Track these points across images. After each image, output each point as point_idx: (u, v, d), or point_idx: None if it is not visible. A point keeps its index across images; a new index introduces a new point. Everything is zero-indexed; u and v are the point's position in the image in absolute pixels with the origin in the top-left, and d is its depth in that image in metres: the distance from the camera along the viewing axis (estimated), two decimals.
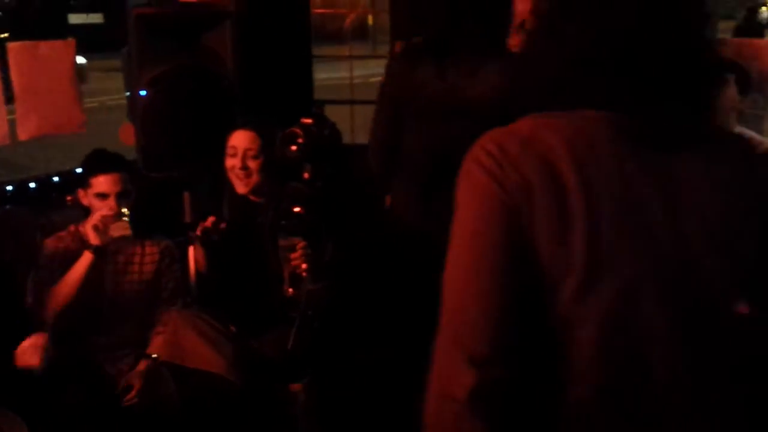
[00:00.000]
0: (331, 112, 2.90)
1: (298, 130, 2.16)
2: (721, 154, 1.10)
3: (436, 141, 1.32)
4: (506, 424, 0.98)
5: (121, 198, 2.59)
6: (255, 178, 2.60)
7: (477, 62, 2.07)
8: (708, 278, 1.03)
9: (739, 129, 3.07)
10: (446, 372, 0.99)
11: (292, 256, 2.38)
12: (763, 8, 30.02)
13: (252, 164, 2.60)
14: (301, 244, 2.32)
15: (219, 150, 2.62)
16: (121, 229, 2.55)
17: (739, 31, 17.41)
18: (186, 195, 2.95)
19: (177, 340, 2.43)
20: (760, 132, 3.23)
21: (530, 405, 1.02)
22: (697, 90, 1.08)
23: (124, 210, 2.56)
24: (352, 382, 2.47)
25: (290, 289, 2.36)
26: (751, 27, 17.72)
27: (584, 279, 1.00)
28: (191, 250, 2.72)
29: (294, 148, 2.14)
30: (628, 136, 1.04)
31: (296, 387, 2.47)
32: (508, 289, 1.01)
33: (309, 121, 2.19)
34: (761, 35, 17.90)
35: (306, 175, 2.22)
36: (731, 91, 3.00)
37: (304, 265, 2.32)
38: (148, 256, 2.73)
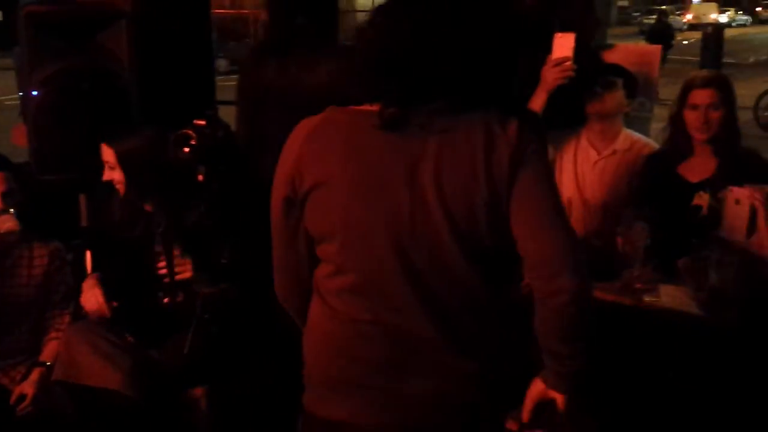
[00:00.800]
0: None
1: (190, 132, 2.15)
2: (461, 140, 1.46)
3: (285, 132, 1.47)
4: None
5: (6, 197, 2.53)
6: None
7: (314, 58, 2.35)
8: (432, 227, 1.46)
9: (627, 131, 3.22)
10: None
11: (159, 265, 2.42)
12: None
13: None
14: (176, 251, 2.34)
15: None
16: (7, 222, 2.49)
17: (653, 33, 18.22)
18: (82, 197, 2.88)
19: (71, 357, 2.37)
20: (646, 134, 3.38)
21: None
22: (467, 90, 1.44)
23: (11, 210, 2.50)
24: (254, 386, 2.47)
25: (179, 296, 2.35)
26: (662, 30, 18.60)
27: (339, 224, 1.49)
28: (88, 254, 2.66)
29: (186, 150, 2.13)
30: (385, 123, 1.45)
31: (197, 393, 2.45)
32: (289, 241, 1.60)
33: (202, 122, 2.19)
34: (672, 37, 18.82)
35: (200, 178, 2.22)
36: (619, 95, 3.14)
37: (186, 273, 2.35)
38: (36, 258, 2.66)
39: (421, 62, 1.41)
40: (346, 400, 1.54)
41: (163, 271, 2.41)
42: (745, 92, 13.80)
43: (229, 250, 2.31)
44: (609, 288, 2.58)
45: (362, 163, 1.48)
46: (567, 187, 3.20)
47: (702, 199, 2.57)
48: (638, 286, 2.55)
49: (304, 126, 1.55)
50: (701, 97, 2.82)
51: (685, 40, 25.22)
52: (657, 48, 3.66)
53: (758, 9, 29.92)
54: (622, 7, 33.64)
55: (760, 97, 11.70)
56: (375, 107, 1.47)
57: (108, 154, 2.50)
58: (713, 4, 34.96)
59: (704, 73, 3.05)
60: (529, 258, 1.49)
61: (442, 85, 1.44)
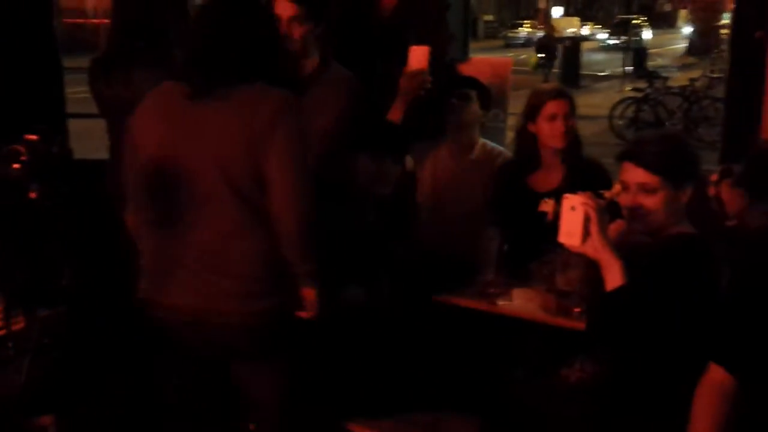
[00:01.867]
0: (85, 126, 2.78)
1: (20, 148, 2.04)
2: (233, 106, 2.01)
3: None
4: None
5: None
6: None
7: (135, 73, 2.62)
8: (208, 165, 2.01)
9: (483, 141, 3.34)
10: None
11: None
12: (522, 27, 32.54)
13: None
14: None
15: None
16: None
17: (540, 47, 19.06)
18: None
19: None
20: (501, 143, 3.51)
21: None
22: (244, 70, 2.03)
23: None
24: (107, 412, 2.37)
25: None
26: (548, 44, 19.48)
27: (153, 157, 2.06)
28: None
29: (16, 166, 2.01)
30: (187, 94, 2.03)
31: (45, 421, 2.32)
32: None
33: (34, 137, 2.08)
34: (556, 49, 19.74)
35: (33, 195, 2.10)
36: (474, 106, 3.25)
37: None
38: None
39: (214, 53, 2.04)
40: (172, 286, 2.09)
41: None
42: (601, 102, 14.70)
43: (69, 271, 2.21)
44: (465, 293, 2.66)
45: (172, 122, 2.07)
46: (427, 197, 3.27)
47: (548, 206, 2.70)
48: (492, 291, 2.64)
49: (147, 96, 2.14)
50: (558, 107, 2.95)
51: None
52: (508, 60, 3.83)
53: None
54: (487, 21, 34.88)
55: (614, 106, 12.40)
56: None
57: None
58: (575, 19, 36.86)
59: (550, 85, 3.21)
60: (270, 197, 2.02)
61: (229, 68, 2.03)
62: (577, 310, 2.44)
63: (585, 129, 11.67)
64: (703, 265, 2.07)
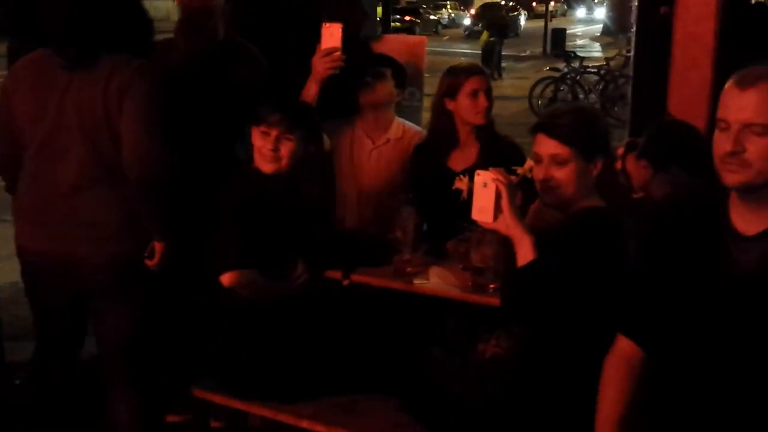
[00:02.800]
0: None
1: None
2: (95, 74, 2.29)
3: None
4: None
5: None
6: None
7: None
8: (70, 127, 2.30)
9: (399, 120, 3.32)
10: None
11: None
12: (445, 9, 32.69)
13: None
14: None
15: None
16: None
17: (491, 26, 19.03)
18: None
19: None
20: (417, 122, 3.51)
21: None
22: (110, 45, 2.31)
23: None
24: None
25: None
26: (499, 22, 19.41)
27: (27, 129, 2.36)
28: None
29: None
30: (55, 61, 2.30)
31: None
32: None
33: None
34: (507, 28, 19.74)
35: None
36: (389, 85, 3.21)
37: None
38: None
39: (84, 27, 2.30)
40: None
41: None
42: (521, 83, 14.92)
43: None
44: (382, 273, 2.64)
45: (42, 87, 2.33)
46: (344, 176, 3.24)
47: (462, 183, 2.70)
48: (409, 270, 2.63)
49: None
50: (478, 83, 2.95)
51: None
52: (423, 39, 3.81)
53: (534, 4, 32.39)
54: (410, 2, 34.85)
55: (533, 86, 12.60)
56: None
57: None
58: (495, 1, 37.22)
59: (467, 63, 3.17)
60: (122, 155, 2.30)
61: (97, 42, 2.30)
62: (492, 286, 2.46)
63: (506, 109, 11.90)
64: (612, 239, 2.10)
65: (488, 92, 2.98)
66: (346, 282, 2.63)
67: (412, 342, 2.45)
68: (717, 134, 1.67)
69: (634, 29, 3.34)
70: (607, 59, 13.33)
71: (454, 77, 3.00)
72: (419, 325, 2.61)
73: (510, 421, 2.10)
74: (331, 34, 2.84)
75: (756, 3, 4.51)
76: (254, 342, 2.38)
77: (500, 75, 17.01)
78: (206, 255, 2.43)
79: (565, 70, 12.96)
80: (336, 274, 2.65)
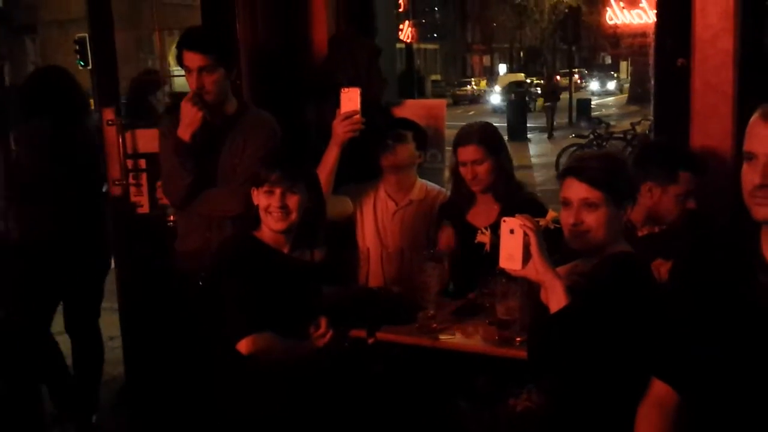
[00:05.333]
0: None
1: None
2: None
3: None
4: None
5: None
6: None
7: None
8: None
9: (422, 181, 3.34)
10: None
11: None
12: (469, 86, 32.91)
13: None
14: None
15: None
16: None
17: (546, 94, 19.85)
18: None
19: None
20: (440, 183, 3.52)
21: None
22: None
23: None
24: None
25: None
26: (552, 90, 20.59)
27: None
28: None
29: None
30: None
31: None
32: None
33: None
34: (559, 96, 20.54)
35: None
36: (410, 147, 3.25)
37: None
38: None
39: None
40: None
41: None
42: (550, 150, 15.01)
43: None
44: (407, 330, 2.61)
45: None
46: (368, 238, 3.25)
47: (485, 237, 2.69)
48: (434, 326, 2.59)
49: None
50: (466, 154, 2.96)
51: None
52: (442, 102, 3.86)
53: (557, 78, 32.88)
54: (435, 81, 35.54)
55: (560, 153, 12.64)
56: None
57: None
58: (519, 75, 37.78)
59: (467, 128, 3.06)
60: None
61: None
62: (518, 339, 2.41)
63: (534, 177, 11.93)
64: (645, 283, 2.06)
65: (478, 161, 2.92)
66: (371, 340, 2.59)
67: (441, 400, 2.40)
68: (745, 168, 1.65)
69: (652, 83, 3.35)
70: (632, 124, 13.37)
71: (453, 145, 3.02)
72: (448, 385, 2.55)
73: None
74: (350, 99, 2.90)
75: None
76: (275, 404, 2.34)
77: (552, 136, 18.34)
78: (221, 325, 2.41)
79: (591, 136, 13.00)
80: (361, 333, 2.61)
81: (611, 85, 38.43)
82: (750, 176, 1.62)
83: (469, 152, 2.94)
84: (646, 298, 2.00)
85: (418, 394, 2.43)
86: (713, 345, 1.73)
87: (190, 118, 2.75)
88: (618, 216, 2.10)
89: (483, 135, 2.99)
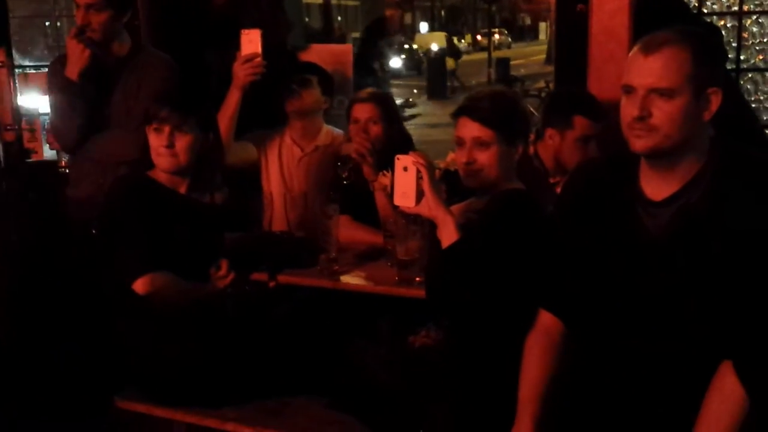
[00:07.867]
0: None
1: None
2: None
3: None
4: None
5: None
6: None
7: None
8: None
9: (328, 127, 3.31)
10: None
11: None
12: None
13: None
14: None
15: None
16: None
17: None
18: None
19: None
20: (346, 130, 3.49)
21: None
22: None
23: None
24: None
25: None
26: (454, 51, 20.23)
27: None
28: None
29: None
30: None
31: None
32: None
33: None
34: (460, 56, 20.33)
35: None
36: (315, 92, 3.21)
37: None
38: None
39: None
40: None
41: None
42: None
43: None
44: (309, 273, 2.61)
45: None
46: (273, 184, 3.22)
47: (385, 179, 2.69)
48: (335, 268, 2.60)
49: None
50: (361, 111, 2.97)
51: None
52: (349, 47, 3.82)
53: (479, 37, 33.06)
54: (356, 39, 35.19)
55: None
56: None
57: None
58: (440, 34, 37.77)
59: (367, 90, 3.15)
60: None
61: None
62: (418, 279, 2.43)
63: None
64: (533, 219, 2.10)
65: (373, 120, 2.95)
66: (272, 283, 2.58)
67: (340, 339, 2.41)
68: (623, 100, 1.69)
69: (552, 28, 3.39)
70: (547, 81, 13.59)
71: (349, 103, 3.08)
72: (351, 326, 2.57)
73: (437, 409, 2.06)
74: (251, 41, 2.83)
75: None
76: (177, 346, 2.31)
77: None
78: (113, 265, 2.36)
79: None
80: (263, 276, 2.60)
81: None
82: (629, 109, 1.66)
83: (365, 110, 2.97)
84: (534, 231, 2.04)
85: (322, 336, 2.43)
86: (594, 275, 1.79)
87: (77, 56, 2.65)
88: (510, 154, 2.14)
89: (380, 97, 3.05)
